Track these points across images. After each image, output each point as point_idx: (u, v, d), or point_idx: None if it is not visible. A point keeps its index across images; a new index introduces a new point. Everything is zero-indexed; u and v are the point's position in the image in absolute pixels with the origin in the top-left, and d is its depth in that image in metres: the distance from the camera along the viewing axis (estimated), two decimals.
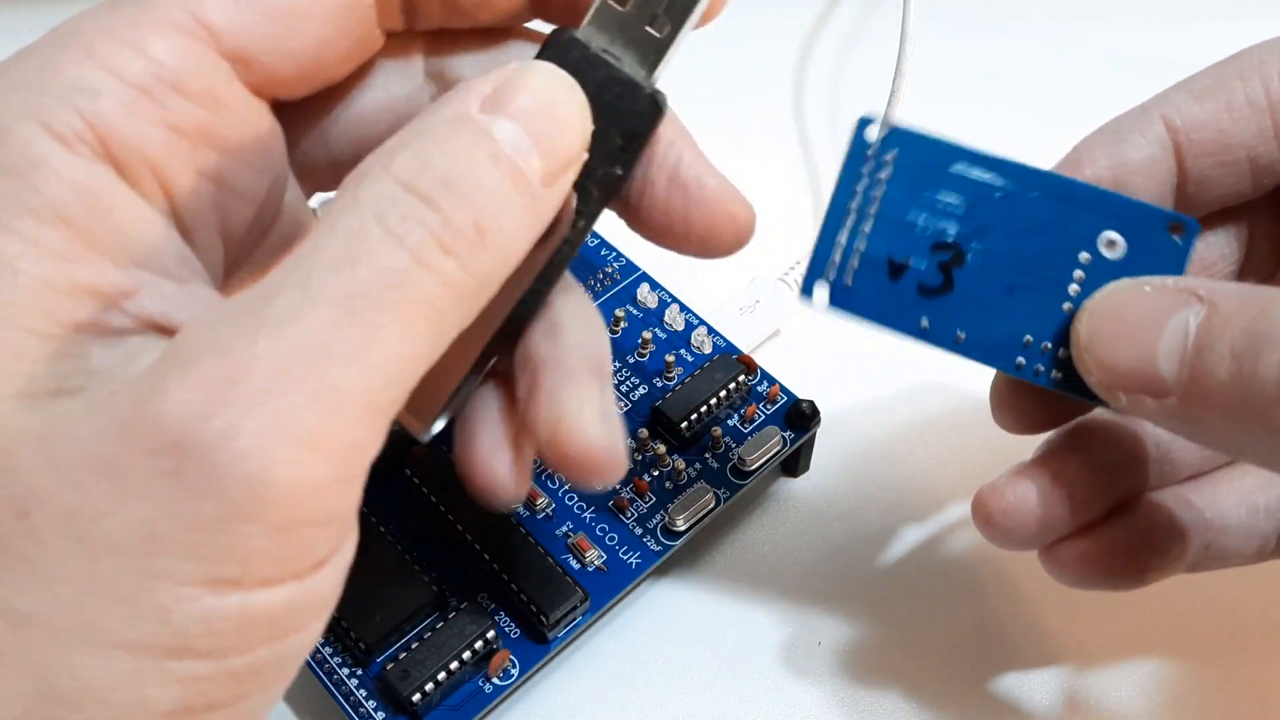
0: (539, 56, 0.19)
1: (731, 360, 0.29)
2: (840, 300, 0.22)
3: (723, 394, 0.28)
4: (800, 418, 0.29)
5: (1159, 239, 0.21)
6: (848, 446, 0.31)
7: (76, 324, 0.16)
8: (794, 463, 0.30)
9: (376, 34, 0.20)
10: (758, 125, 0.39)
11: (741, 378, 0.29)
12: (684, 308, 0.31)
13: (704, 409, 0.28)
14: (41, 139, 0.16)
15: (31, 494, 0.15)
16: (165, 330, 0.17)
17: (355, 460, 0.16)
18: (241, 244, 0.20)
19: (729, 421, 0.29)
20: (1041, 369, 0.21)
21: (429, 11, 0.20)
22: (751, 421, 0.29)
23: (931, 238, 0.21)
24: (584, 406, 0.19)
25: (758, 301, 0.33)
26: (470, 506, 0.27)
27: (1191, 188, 0.22)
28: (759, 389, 0.29)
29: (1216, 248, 0.24)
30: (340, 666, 0.25)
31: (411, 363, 0.16)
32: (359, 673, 0.25)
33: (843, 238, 0.21)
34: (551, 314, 0.20)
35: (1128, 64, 0.41)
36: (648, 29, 0.20)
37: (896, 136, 0.21)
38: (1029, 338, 0.21)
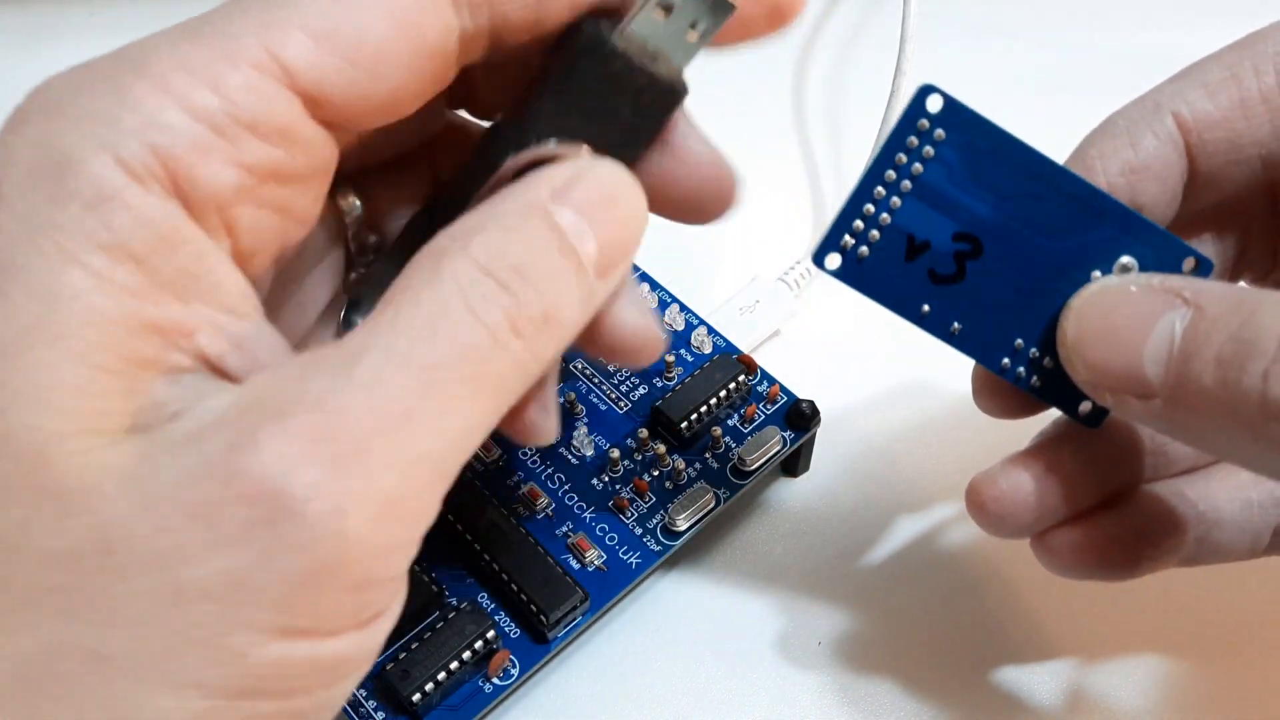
0: (569, 44, 0.20)
1: (731, 360, 0.29)
2: (850, 272, 0.21)
3: (723, 394, 0.28)
4: (800, 418, 0.29)
5: (1172, 270, 0.21)
6: (848, 446, 0.31)
7: (141, 360, 0.16)
8: (794, 463, 0.30)
9: (453, 73, 0.19)
10: (758, 125, 0.39)
11: (741, 378, 0.29)
12: (684, 308, 0.31)
13: (704, 409, 0.28)
14: (115, 173, 0.16)
15: (117, 532, 0.15)
16: (218, 369, 0.17)
17: (422, 524, 0.17)
18: (290, 260, 0.20)
19: (729, 421, 0.29)
20: (1024, 374, 0.22)
21: (516, 41, 0.19)
22: (751, 421, 0.29)
23: (958, 224, 0.21)
24: (618, 300, 0.20)
25: (758, 301, 0.33)
26: (470, 506, 0.27)
27: (1200, 184, 0.22)
28: (759, 389, 0.29)
29: (1211, 243, 0.24)
30: None
31: (477, 434, 0.17)
32: None
33: (870, 207, 0.21)
34: None
35: (1128, 64, 0.41)
36: (683, 34, 0.20)
37: (955, 114, 0.20)
38: (1020, 342, 0.21)
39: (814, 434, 0.29)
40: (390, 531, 0.16)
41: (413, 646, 0.25)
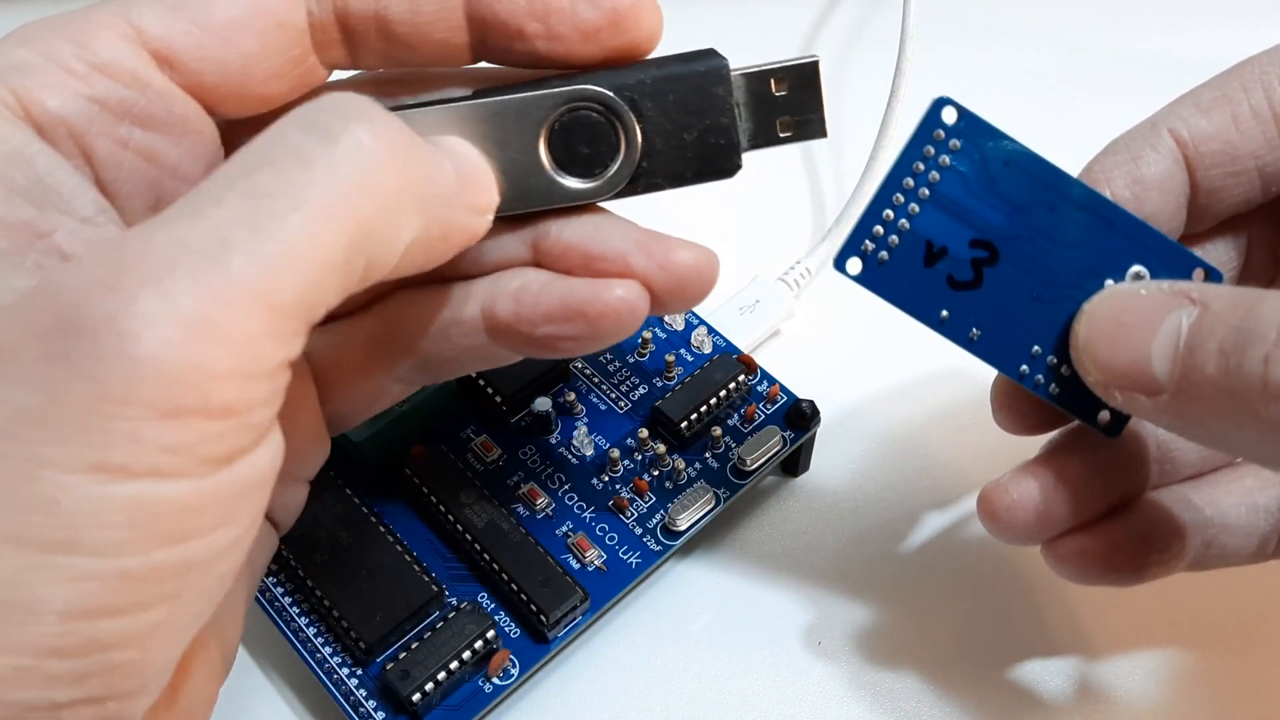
0: (688, 56, 0.21)
1: (731, 360, 0.29)
2: (871, 276, 0.22)
3: (723, 394, 0.28)
4: (800, 418, 0.29)
5: (1183, 279, 0.21)
6: (848, 446, 0.31)
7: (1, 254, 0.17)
8: (794, 463, 0.30)
9: (314, 64, 0.21)
10: None
11: (741, 377, 0.29)
12: None
13: (704, 409, 0.28)
14: None
15: None
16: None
17: (253, 355, 0.15)
18: None
19: (729, 421, 0.29)
20: (1042, 380, 0.22)
21: (368, 44, 0.21)
22: (751, 421, 0.29)
23: (975, 231, 0.21)
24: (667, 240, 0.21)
25: (758, 301, 0.33)
26: (470, 506, 0.27)
27: (1203, 199, 0.23)
28: (759, 389, 0.29)
29: (1216, 254, 0.24)
30: (340, 666, 0.25)
31: (322, 269, 0.16)
32: (359, 673, 0.25)
33: (889, 213, 0.21)
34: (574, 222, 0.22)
35: (1129, 64, 0.41)
36: (776, 121, 0.22)
37: (970, 125, 0.21)
38: (1038, 349, 0.22)
39: (814, 434, 0.29)
40: (199, 355, 0.15)
41: (413, 646, 0.25)
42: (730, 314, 0.32)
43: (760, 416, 0.29)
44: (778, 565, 0.29)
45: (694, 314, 0.31)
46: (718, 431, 0.28)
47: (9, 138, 0.18)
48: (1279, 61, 0.22)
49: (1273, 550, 0.24)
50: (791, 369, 0.31)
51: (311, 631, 0.26)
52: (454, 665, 0.24)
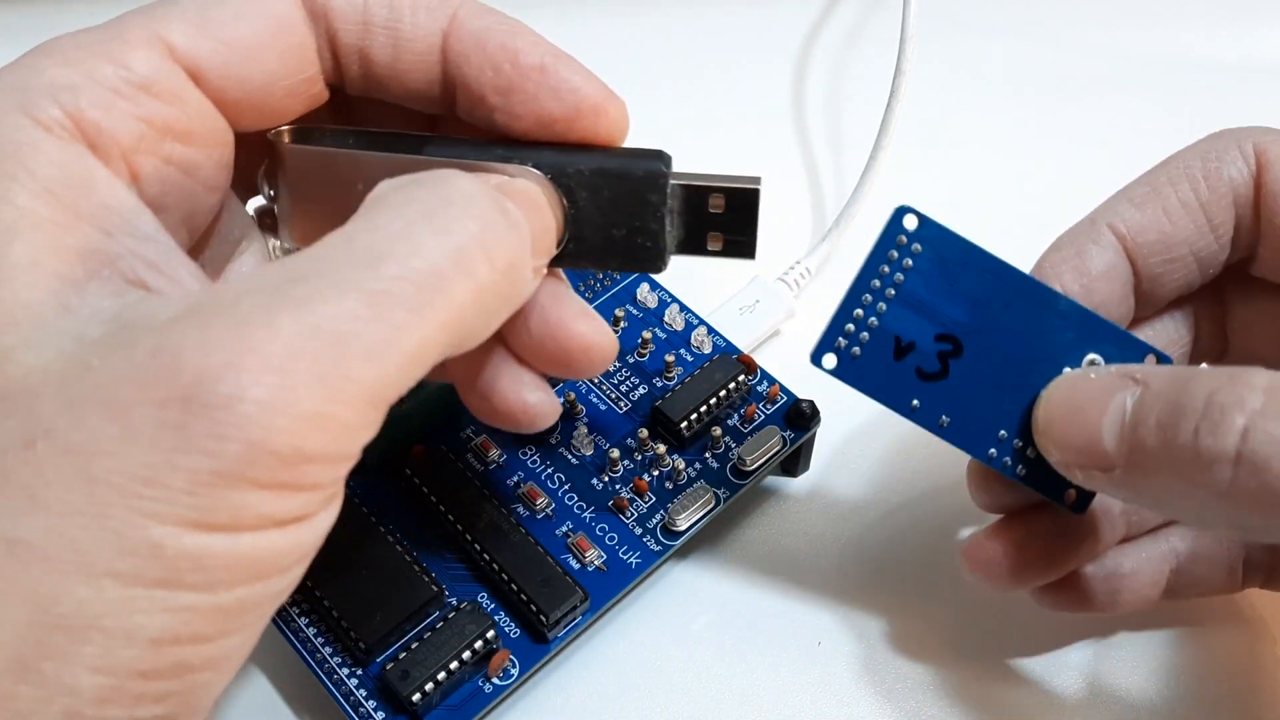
0: (634, 155, 0.22)
1: (731, 360, 0.29)
2: (846, 369, 0.23)
3: (723, 394, 0.28)
4: (800, 417, 0.29)
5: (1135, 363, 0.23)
6: (848, 446, 0.31)
7: (71, 281, 0.17)
8: (794, 463, 0.30)
9: (321, 86, 0.22)
10: (758, 125, 0.39)
11: (741, 377, 0.29)
12: (684, 307, 0.31)
13: (704, 409, 0.28)
14: (28, 126, 0.18)
15: (41, 427, 0.16)
16: (152, 290, 0.18)
17: (349, 442, 0.17)
18: (205, 232, 0.22)
19: (729, 421, 0.29)
20: (1009, 462, 0.23)
21: (350, 74, 0.22)
22: (751, 421, 0.29)
23: (939, 327, 0.23)
24: (570, 309, 0.22)
25: (758, 301, 0.33)
26: (470, 506, 0.27)
27: (1146, 285, 0.24)
28: (759, 389, 0.29)
29: (1167, 333, 0.26)
30: (340, 666, 0.25)
31: (422, 366, 0.17)
32: (359, 673, 0.25)
33: (859, 311, 0.23)
34: None
35: (1128, 64, 0.41)
36: (707, 235, 0.22)
37: (929, 231, 0.23)
38: (1004, 433, 0.23)
39: (814, 434, 0.29)
40: (308, 445, 0.16)
41: (413, 646, 0.25)
42: (730, 314, 0.32)
43: (760, 416, 0.29)
44: (778, 565, 0.29)
45: (694, 314, 0.31)
46: (718, 431, 0.28)
47: (71, 163, 0.18)
48: (1199, 157, 0.24)
49: (1243, 579, 0.26)
50: (791, 369, 0.30)
51: (311, 632, 0.26)
52: (454, 665, 0.24)
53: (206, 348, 0.16)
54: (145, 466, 0.15)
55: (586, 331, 0.22)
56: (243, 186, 0.23)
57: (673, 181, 0.22)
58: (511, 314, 0.20)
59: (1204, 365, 0.22)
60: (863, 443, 0.31)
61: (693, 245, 0.22)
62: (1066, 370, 0.23)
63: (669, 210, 0.22)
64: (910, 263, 0.23)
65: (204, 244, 0.22)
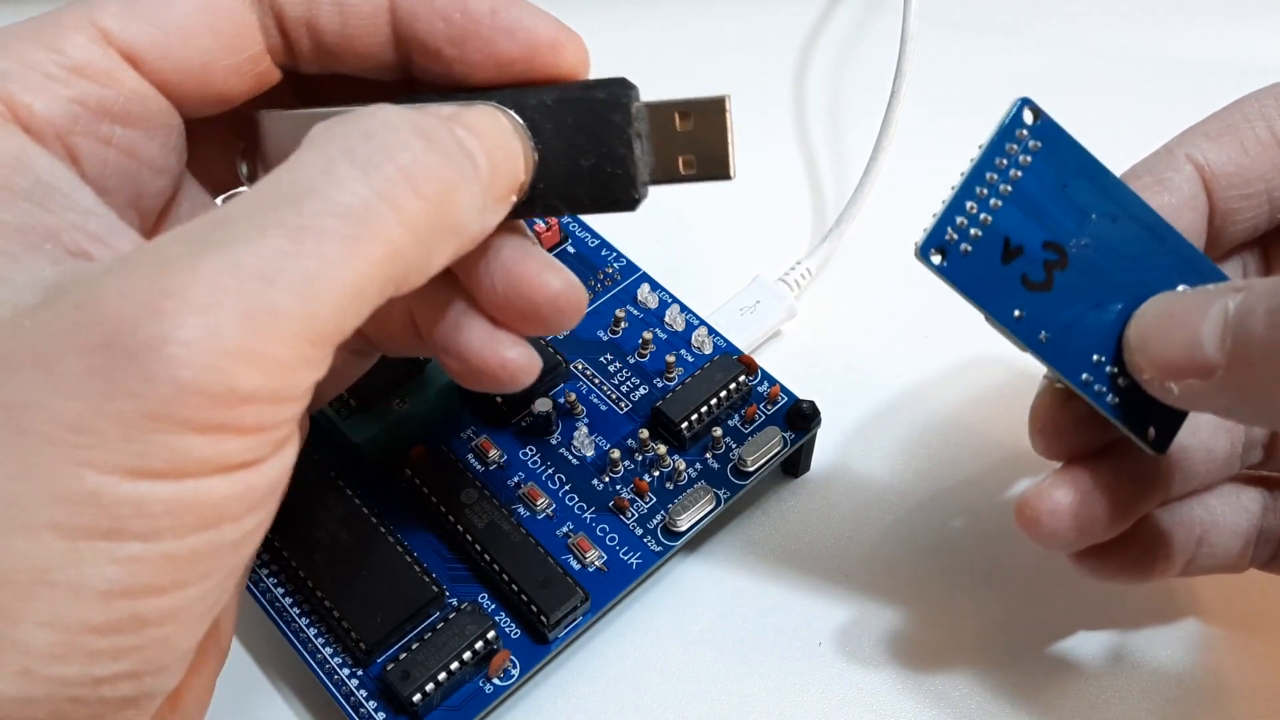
0: (597, 83, 0.21)
1: (732, 360, 0.29)
2: (954, 269, 0.21)
3: (723, 394, 0.28)
4: (800, 418, 0.29)
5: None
6: (848, 446, 0.31)
7: (10, 255, 0.17)
8: (794, 463, 0.30)
9: (269, 64, 0.22)
10: (758, 125, 0.39)
11: (742, 378, 0.29)
12: (684, 308, 0.31)
13: (704, 409, 0.28)
14: None
15: None
16: (97, 260, 0.18)
17: (287, 380, 0.17)
18: (158, 215, 0.22)
19: (729, 422, 0.29)
20: (1102, 389, 0.22)
21: (300, 48, 0.22)
22: (752, 422, 0.29)
23: (1047, 233, 0.22)
24: (535, 262, 0.21)
25: (758, 302, 0.33)
26: (470, 506, 0.27)
27: (1219, 220, 0.24)
28: (759, 389, 0.29)
29: (1234, 276, 0.25)
30: (340, 666, 0.25)
31: (357, 300, 0.17)
32: (359, 673, 0.25)
33: (972, 205, 0.21)
34: None
35: (1128, 64, 0.41)
36: (679, 157, 0.21)
37: (1048, 128, 0.21)
38: (1099, 356, 0.22)
39: (814, 434, 0.29)
40: (239, 382, 0.16)
41: (413, 647, 0.25)
42: (731, 314, 0.32)
43: (761, 417, 0.29)
44: (778, 566, 0.29)
45: (694, 314, 0.31)
46: (718, 432, 0.28)
47: (4, 142, 0.19)
48: (1274, 98, 0.23)
49: (1253, 557, 0.25)
50: (792, 369, 0.31)
51: (312, 632, 0.26)
52: (454, 666, 0.24)
53: (128, 293, 0.16)
54: (74, 414, 0.15)
55: (554, 282, 0.21)
56: (210, 179, 0.23)
57: (637, 103, 0.21)
58: (461, 248, 0.19)
59: None
60: (863, 443, 0.31)
61: (665, 170, 0.21)
62: (1156, 295, 0.22)
63: (636, 134, 0.21)
64: (1028, 159, 0.21)
65: (159, 228, 0.22)
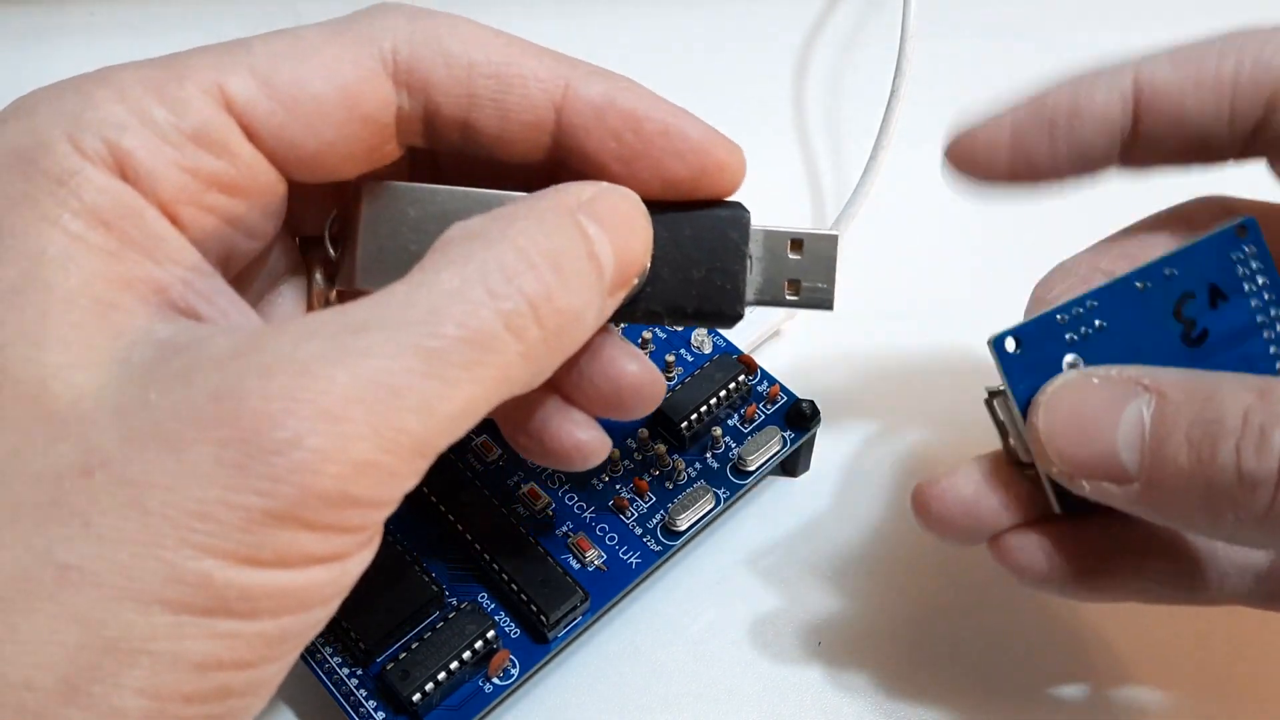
0: (713, 209, 0.22)
1: (731, 360, 0.29)
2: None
3: (723, 394, 0.28)
4: (800, 418, 0.29)
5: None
6: (848, 446, 0.31)
7: (123, 307, 0.18)
8: (794, 463, 0.30)
9: (394, 148, 0.21)
10: (758, 125, 0.39)
11: (741, 378, 0.29)
12: None
13: (704, 409, 0.28)
14: (75, 156, 0.18)
15: (98, 456, 0.16)
16: (200, 318, 0.19)
17: (394, 489, 0.17)
18: (243, 272, 0.22)
19: (729, 421, 0.29)
20: None
21: (448, 138, 0.21)
22: (751, 421, 0.29)
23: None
24: (619, 349, 0.22)
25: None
26: (470, 506, 0.27)
27: (1141, 144, 0.23)
28: (759, 389, 0.29)
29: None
30: (340, 666, 0.25)
31: (469, 419, 0.18)
32: (359, 673, 0.25)
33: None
34: None
35: None
36: (785, 281, 0.22)
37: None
38: None
39: (814, 434, 0.29)
40: (359, 491, 0.17)
41: (413, 646, 0.25)
42: None
43: (760, 416, 0.29)
44: (778, 565, 0.29)
45: None
46: (718, 431, 0.28)
47: (120, 194, 0.18)
48: (1259, 42, 0.22)
49: (1267, 596, 0.24)
50: (791, 369, 0.31)
51: None
52: (454, 665, 0.24)
53: (267, 394, 0.16)
54: (200, 502, 0.16)
55: (637, 371, 0.22)
56: (295, 226, 0.23)
57: (755, 226, 0.22)
58: (566, 359, 0.20)
59: (1207, 373, 0.21)
60: (863, 442, 0.31)
61: (770, 293, 0.22)
62: (1063, 374, 0.22)
63: (748, 253, 0.22)
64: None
65: (243, 277, 0.22)
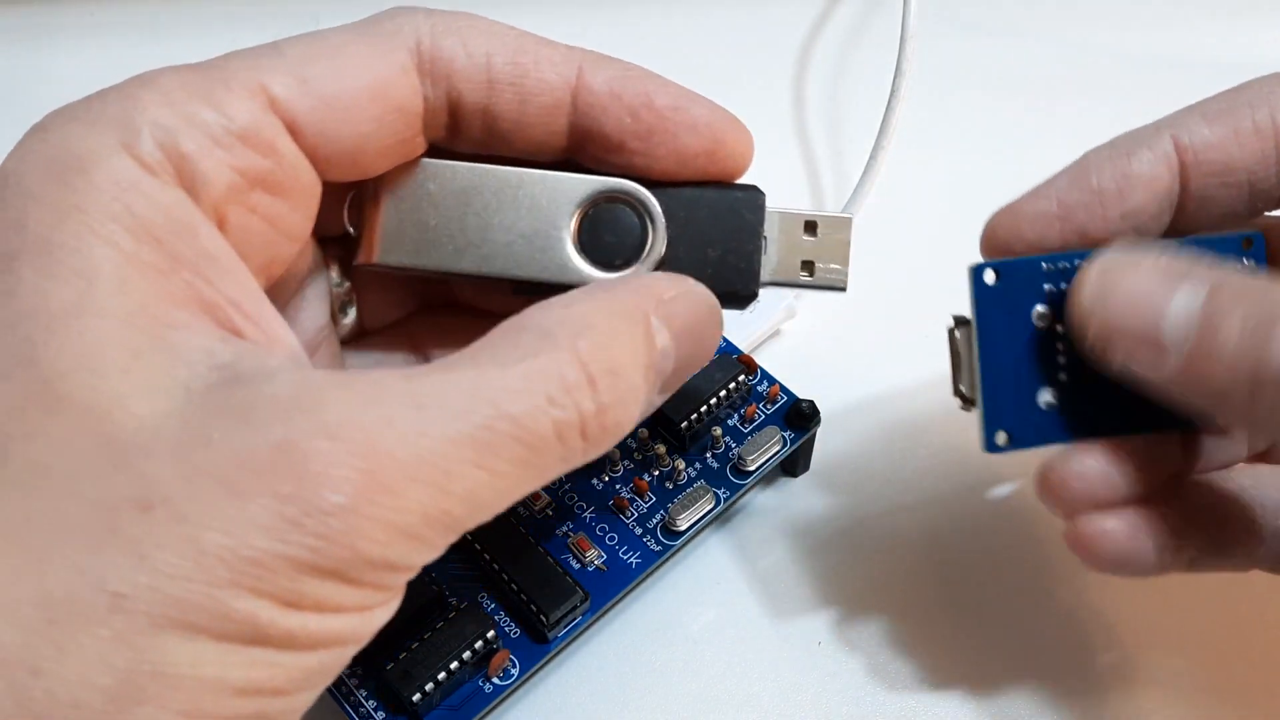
0: (730, 191, 0.22)
1: (731, 360, 0.29)
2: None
3: (723, 394, 0.28)
4: (800, 418, 0.29)
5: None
6: (848, 446, 0.31)
7: (179, 328, 0.18)
8: (794, 463, 0.30)
9: (420, 141, 0.22)
10: (758, 125, 0.39)
11: (741, 377, 0.29)
12: None
13: (704, 409, 0.28)
14: (130, 165, 0.18)
15: (159, 493, 0.16)
16: (247, 340, 0.19)
17: (426, 558, 0.18)
18: (282, 278, 0.22)
19: (729, 421, 0.29)
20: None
21: (470, 130, 0.22)
22: (751, 421, 0.29)
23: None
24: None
25: (758, 301, 0.33)
26: None
27: (1193, 206, 0.23)
28: (759, 389, 0.29)
29: None
30: None
31: (501, 507, 0.19)
32: (359, 673, 0.25)
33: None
34: None
35: (1129, 64, 0.41)
36: (799, 262, 0.23)
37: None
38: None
39: (814, 434, 0.29)
40: (397, 554, 0.17)
41: (413, 646, 0.25)
42: (730, 314, 0.32)
43: (760, 416, 0.29)
44: (778, 565, 0.29)
45: None
46: (718, 431, 0.28)
47: (173, 207, 0.18)
48: None
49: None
50: (791, 369, 0.31)
51: None
52: (454, 665, 0.24)
53: (331, 459, 0.17)
54: (254, 550, 0.16)
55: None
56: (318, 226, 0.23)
57: (770, 209, 0.22)
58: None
59: (1258, 275, 0.20)
60: (863, 442, 0.31)
61: (785, 273, 0.23)
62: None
63: (764, 234, 0.22)
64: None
65: (280, 288, 0.23)
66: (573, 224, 0.22)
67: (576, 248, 0.22)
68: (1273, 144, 0.23)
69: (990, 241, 0.23)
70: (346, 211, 0.23)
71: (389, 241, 0.22)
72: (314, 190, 0.21)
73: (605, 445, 0.19)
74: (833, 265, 0.23)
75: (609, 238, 0.22)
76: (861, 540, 0.29)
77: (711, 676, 0.27)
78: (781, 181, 0.37)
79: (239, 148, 0.19)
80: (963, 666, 0.27)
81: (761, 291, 0.23)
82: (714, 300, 0.22)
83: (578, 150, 0.23)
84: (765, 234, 0.22)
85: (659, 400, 0.21)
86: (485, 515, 0.19)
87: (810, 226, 0.23)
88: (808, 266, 0.23)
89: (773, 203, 0.23)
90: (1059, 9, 0.43)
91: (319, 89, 0.20)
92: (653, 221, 0.22)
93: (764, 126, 0.39)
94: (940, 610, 0.28)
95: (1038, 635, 0.27)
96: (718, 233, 0.22)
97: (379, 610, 0.18)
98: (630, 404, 0.19)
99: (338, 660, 0.18)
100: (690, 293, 0.21)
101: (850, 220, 0.23)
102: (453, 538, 0.18)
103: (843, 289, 0.23)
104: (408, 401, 0.18)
